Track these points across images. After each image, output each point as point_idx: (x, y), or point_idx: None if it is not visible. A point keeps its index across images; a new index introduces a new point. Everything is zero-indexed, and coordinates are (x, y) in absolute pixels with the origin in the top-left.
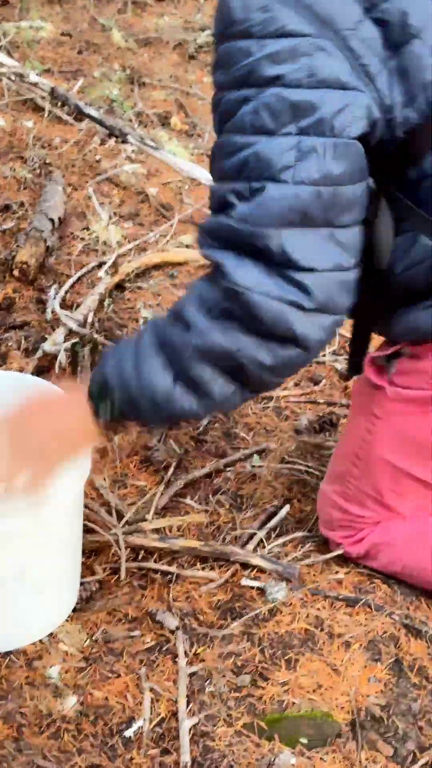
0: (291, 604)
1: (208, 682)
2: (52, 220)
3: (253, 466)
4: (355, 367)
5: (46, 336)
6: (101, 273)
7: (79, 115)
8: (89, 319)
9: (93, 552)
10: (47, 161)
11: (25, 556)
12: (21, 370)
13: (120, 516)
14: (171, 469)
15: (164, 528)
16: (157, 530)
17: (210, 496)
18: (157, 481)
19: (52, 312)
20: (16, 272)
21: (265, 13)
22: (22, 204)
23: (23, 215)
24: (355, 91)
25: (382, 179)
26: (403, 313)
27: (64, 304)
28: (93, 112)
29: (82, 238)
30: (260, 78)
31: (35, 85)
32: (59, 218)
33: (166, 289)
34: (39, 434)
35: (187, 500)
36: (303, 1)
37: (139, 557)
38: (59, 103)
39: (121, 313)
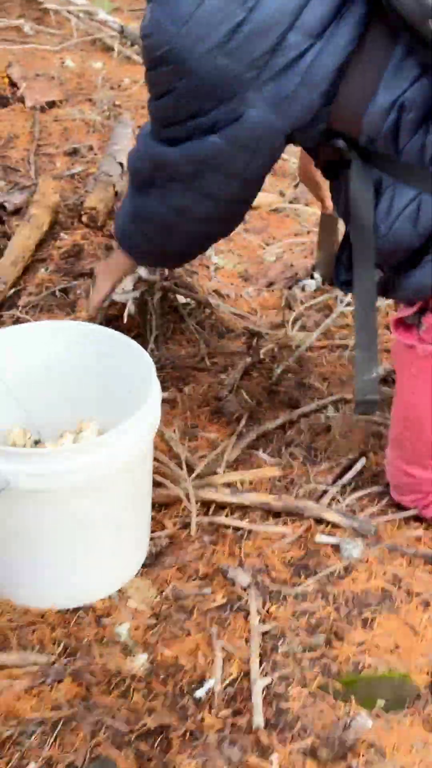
0: (367, 561)
1: (281, 641)
2: (121, 164)
3: (328, 417)
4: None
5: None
6: None
7: None
8: None
9: (163, 506)
10: (116, 103)
11: (93, 508)
12: (90, 320)
13: (190, 469)
14: (243, 421)
15: (235, 482)
16: (228, 484)
17: (283, 448)
18: (228, 433)
19: None
20: (84, 218)
21: None
22: (90, 148)
23: (92, 159)
24: None
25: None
26: (407, 276)
27: None
28: None
29: None
30: None
31: (105, 23)
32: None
33: (237, 234)
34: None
35: (259, 453)
36: None
37: (210, 512)
38: (129, 43)
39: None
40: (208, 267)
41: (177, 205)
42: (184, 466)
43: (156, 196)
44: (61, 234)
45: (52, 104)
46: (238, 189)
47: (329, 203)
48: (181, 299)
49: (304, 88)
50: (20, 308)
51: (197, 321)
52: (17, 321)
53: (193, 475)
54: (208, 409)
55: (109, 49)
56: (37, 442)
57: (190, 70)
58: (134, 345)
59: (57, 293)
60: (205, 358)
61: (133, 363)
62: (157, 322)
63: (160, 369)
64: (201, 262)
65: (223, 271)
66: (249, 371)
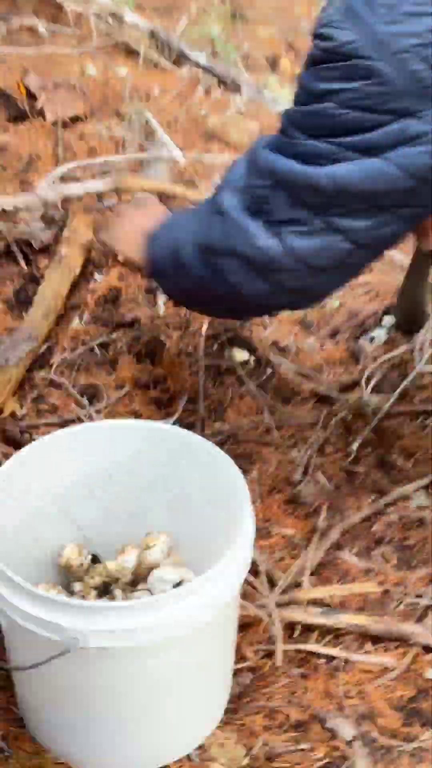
0: None
1: None
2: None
3: (419, 507)
4: None
5: (159, 335)
6: None
7: (179, 58)
8: None
9: (240, 627)
10: (147, 117)
11: (172, 666)
12: (133, 379)
13: (270, 581)
14: (323, 513)
15: (324, 598)
16: (315, 601)
17: (371, 547)
18: (307, 528)
19: (165, 304)
20: (120, 257)
21: None
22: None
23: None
24: None
25: None
26: None
27: None
28: (199, 56)
29: None
30: None
31: (128, 24)
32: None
33: None
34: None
35: (345, 554)
36: None
37: (296, 634)
38: (156, 46)
39: None
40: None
41: (293, 243)
42: (264, 578)
43: (262, 225)
44: (95, 275)
45: (75, 119)
46: (393, 227)
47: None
48: (238, 356)
49: None
50: (54, 368)
51: (258, 383)
52: (51, 384)
53: (276, 590)
54: (281, 496)
55: (132, 53)
56: (94, 560)
57: (374, 71)
58: (218, 452)
59: (95, 349)
60: (271, 430)
61: (212, 470)
62: (211, 384)
63: (219, 444)
64: None
65: (281, 317)
66: (322, 446)
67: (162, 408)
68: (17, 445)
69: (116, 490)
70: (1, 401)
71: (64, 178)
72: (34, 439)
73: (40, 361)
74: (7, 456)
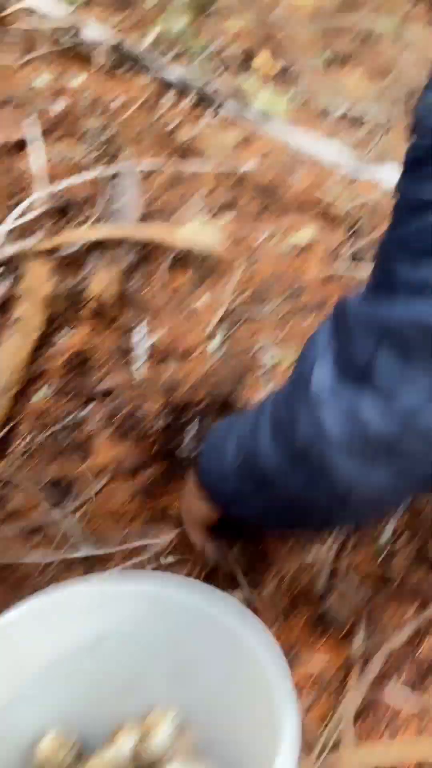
0: None
1: None
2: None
3: None
4: None
5: (139, 408)
6: (202, 299)
7: (140, 62)
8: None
9: None
10: (110, 134)
11: None
12: (115, 465)
13: (307, 743)
14: (359, 636)
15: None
16: None
17: (421, 675)
18: (340, 657)
19: (144, 365)
20: (88, 310)
21: None
22: (85, 201)
23: (86, 219)
24: None
25: None
26: None
27: (157, 353)
28: (163, 59)
29: (168, 249)
30: None
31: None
32: (139, 219)
33: (288, 314)
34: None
35: (391, 691)
36: None
37: None
38: (113, 51)
39: (234, 351)
40: (258, 367)
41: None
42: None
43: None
44: (58, 333)
45: (22, 144)
46: None
47: None
48: None
49: None
50: (15, 460)
51: None
52: (6, 485)
53: (312, 757)
54: (306, 612)
55: (85, 60)
56: (80, 755)
57: None
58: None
59: (64, 429)
60: None
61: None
62: None
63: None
64: (250, 360)
65: (280, 370)
66: (345, 541)
67: (152, 498)
68: None
69: (107, 658)
70: None
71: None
72: None
73: None
74: None
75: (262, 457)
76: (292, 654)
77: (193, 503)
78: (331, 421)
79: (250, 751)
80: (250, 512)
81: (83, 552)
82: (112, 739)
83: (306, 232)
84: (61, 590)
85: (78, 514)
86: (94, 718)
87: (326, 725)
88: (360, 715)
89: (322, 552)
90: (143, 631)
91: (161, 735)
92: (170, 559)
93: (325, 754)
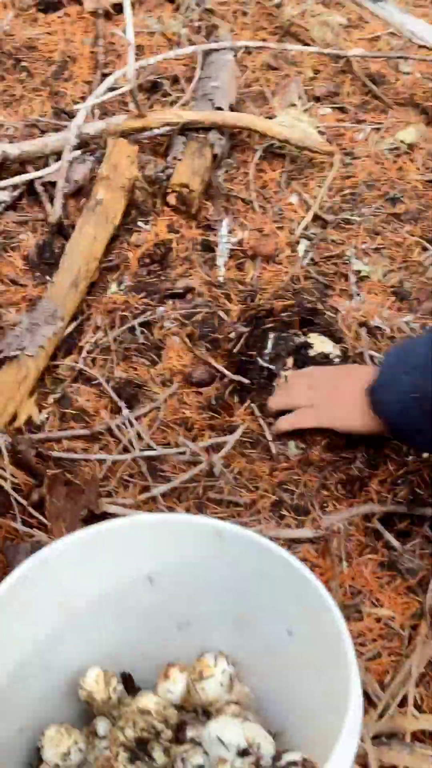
0: None
1: None
2: (220, 109)
3: None
4: None
5: (220, 311)
6: (293, 197)
7: None
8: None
9: None
10: (208, 7)
11: None
12: (184, 373)
13: (365, 694)
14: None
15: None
16: (422, 736)
17: None
18: (410, 608)
19: (225, 266)
20: (172, 199)
21: None
22: (175, 80)
23: (176, 99)
24: None
25: None
26: None
27: (240, 253)
28: None
29: (262, 136)
30: None
31: None
32: (230, 105)
33: (384, 222)
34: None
35: None
36: None
37: None
38: None
39: (323, 265)
40: (346, 277)
41: None
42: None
43: None
44: (139, 223)
45: (118, 7)
46: None
47: None
48: (319, 346)
49: None
50: (84, 353)
51: None
52: (80, 375)
53: (374, 715)
54: (376, 558)
55: None
56: (127, 684)
57: None
58: (307, 579)
59: (137, 328)
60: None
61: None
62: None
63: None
64: (338, 269)
65: (369, 283)
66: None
67: (220, 415)
68: (33, 473)
69: (161, 594)
70: (15, 407)
71: (100, 105)
72: (51, 460)
73: (66, 344)
74: (17, 489)
75: None
76: (359, 598)
77: (355, 417)
78: None
79: (307, 715)
80: (423, 441)
81: (147, 452)
82: (163, 676)
83: (411, 131)
84: (124, 520)
85: (142, 423)
86: (146, 655)
87: (391, 681)
88: (427, 673)
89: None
90: (202, 570)
91: (215, 679)
92: None
93: (389, 712)
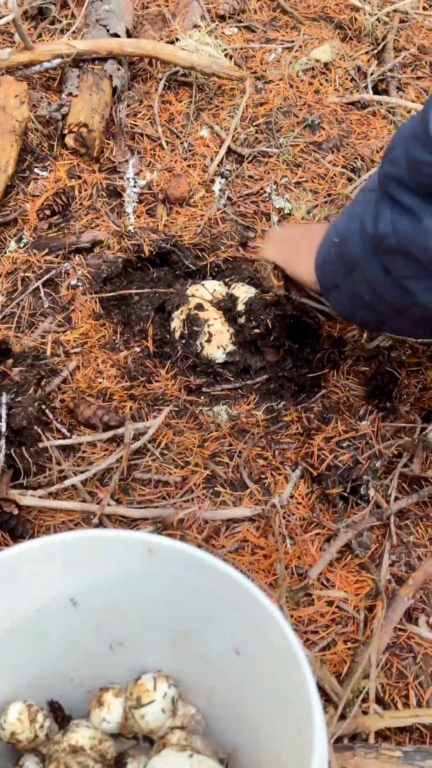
0: None
1: None
2: (116, 35)
3: None
4: None
5: (127, 264)
6: (203, 132)
7: None
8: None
9: None
10: None
11: None
12: (96, 336)
13: (321, 690)
14: (385, 562)
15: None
16: (387, 734)
17: None
18: (363, 587)
19: (135, 213)
20: (70, 140)
21: None
22: (64, 4)
23: (67, 26)
24: None
25: None
26: None
27: (151, 197)
28: None
29: (166, 63)
30: None
31: None
32: (127, 30)
33: (304, 152)
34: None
35: (422, 628)
36: None
37: None
38: None
39: (241, 204)
40: (267, 216)
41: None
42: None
43: None
44: (35, 170)
45: None
46: None
47: None
48: (243, 294)
49: None
50: None
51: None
52: None
53: (334, 717)
54: (322, 532)
55: None
56: (57, 715)
57: None
58: (243, 583)
59: (41, 290)
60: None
61: (232, 599)
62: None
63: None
64: (258, 207)
65: (292, 220)
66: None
67: (137, 379)
68: None
69: (88, 615)
70: None
71: None
72: None
73: None
74: None
75: (350, 243)
76: (309, 581)
77: (303, 264)
78: (402, 226)
79: (260, 734)
80: (340, 298)
81: (59, 441)
82: (97, 702)
83: (326, 49)
84: (33, 543)
85: (59, 396)
86: (76, 681)
87: (349, 674)
88: (386, 657)
89: (348, 449)
90: (134, 588)
91: (156, 705)
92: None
93: (350, 711)
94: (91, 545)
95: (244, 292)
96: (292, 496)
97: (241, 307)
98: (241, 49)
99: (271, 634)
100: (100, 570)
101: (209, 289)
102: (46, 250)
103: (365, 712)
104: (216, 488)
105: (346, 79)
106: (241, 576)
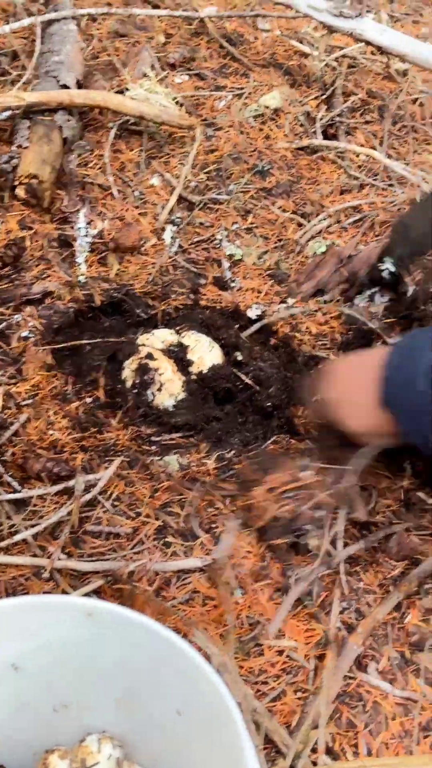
0: None
1: None
2: (66, 87)
3: None
4: None
5: (78, 314)
6: (154, 180)
7: None
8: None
9: None
10: None
11: None
12: (48, 386)
13: (270, 743)
14: (334, 609)
15: None
16: None
17: (407, 654)
18: (313, 636)
19: (86, 262)
20: (20, 192)
21: None
22: (15, 56)
23: (17, 77)
24: None
25: None
26: None
27: (102, 246)
28: None
29: (116, 113)
30: None
31: None
32: (78, 81)
33: (255, 198)
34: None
35: (372, 676)
36: None
37: None
38: None
39: (193, 251)
40: (219, 263)
41: None
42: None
43: None
44: None
45: None
46: None
47: None
48: (194, 344)
49: None
50: None
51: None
52: None
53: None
54: (271, 583)
55: None
56: None
57: None
58: (181, 646)
59: None
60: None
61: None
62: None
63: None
64: (209, 254)
65: (243, 267)
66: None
67: (89, 430)
68: None
69: (32, 680)
70: None
71: None
72: None
73: None
74: None
75: None
76: (258, 630)
77: (362, 409)
78: None
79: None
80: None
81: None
82: (42, 765)
83: (275, 95)
84: None
85: (10, 449)
86: (21, 743)
87: (299, 724)
88: (336, 707)
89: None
90: (77, 651)
91: (100, 766)
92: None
93: (299, 764)
94: (30, 611)
95: (194, 341)
96: (242, 546)
97: (205, 370)
98: (192, 96)
99: (209, 696)
100: (41, 635)
101: (160, 338)
102: None
103: (315, 763)
104: (167, 539)
105: (296, 124)
106: (180, 639)
